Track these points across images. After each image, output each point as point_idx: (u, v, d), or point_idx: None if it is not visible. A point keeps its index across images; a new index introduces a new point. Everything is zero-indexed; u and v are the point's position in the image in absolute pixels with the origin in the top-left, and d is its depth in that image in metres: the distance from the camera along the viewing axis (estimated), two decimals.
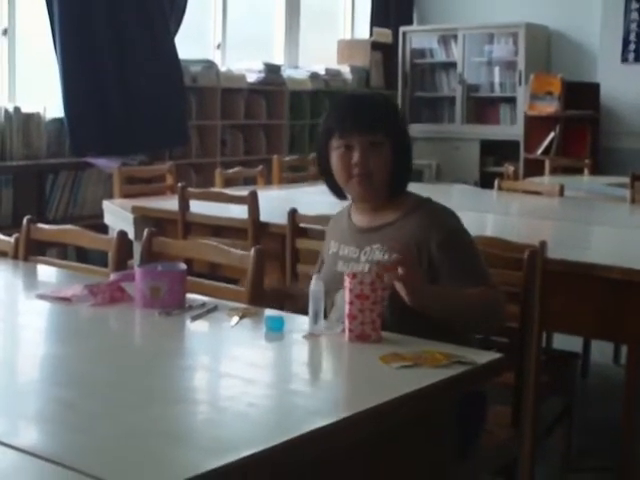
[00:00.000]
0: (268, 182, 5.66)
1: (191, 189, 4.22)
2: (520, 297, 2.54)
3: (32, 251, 3.06)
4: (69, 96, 5.87)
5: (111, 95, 6.09)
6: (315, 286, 2.12)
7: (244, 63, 7.41)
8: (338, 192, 2.43)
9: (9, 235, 3.11)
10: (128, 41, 6.19)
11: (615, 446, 3.14)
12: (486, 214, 4.35)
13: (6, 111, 5.59)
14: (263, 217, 3.87)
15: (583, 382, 4.49)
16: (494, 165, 8.27)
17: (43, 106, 5.80)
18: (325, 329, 2.13)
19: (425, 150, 8.29)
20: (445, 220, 2.31)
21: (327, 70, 8.16)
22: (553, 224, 4.24)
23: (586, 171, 6.36)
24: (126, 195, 4.91)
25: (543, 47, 8.44)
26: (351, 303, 2.05)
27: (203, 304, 2.36)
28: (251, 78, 7.34)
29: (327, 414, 1.63)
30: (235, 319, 2.23)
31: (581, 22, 8.23)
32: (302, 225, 3.57)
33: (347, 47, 8.72)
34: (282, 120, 7.62)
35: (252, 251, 2.58)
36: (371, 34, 8.77)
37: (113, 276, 2.54)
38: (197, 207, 4.11)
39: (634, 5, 7.86)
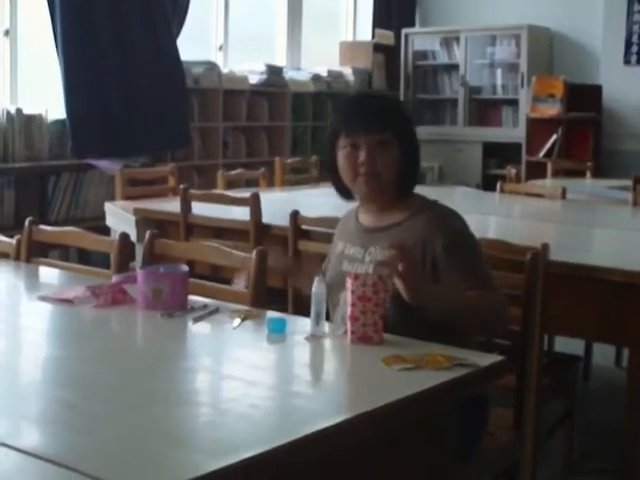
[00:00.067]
0: (270, 184, 5.66)
1: (193, 191, 4.22)
2: (522, 299, 2.54)
3: (34, 253, 3.06)
4: (71, 98, 5.87)
5: (113, 96, 6.09)
6: (317, 288, 2.12)
7: (246, 65, 7.41)
8: (345, 193, 2.43)
9: (11, 237, 3.11)
10: (130, 42, 6.19)
11: (617, 449, 3.14)
12: (488, 216, 4.35)
13: (8, 113, 5.59)
14: (265, 219, 3.87)
15: (585, 385, 4.49)
16: (496, 167, 8.27)
17: (45, 108, 5.80)
18: (327, 331, 2.14)
19: (427, 152, 8.28)
20: (451, 222, 2.31)
21: (329, 72, 8.17)
22: (555, 227, 4.24)
23: (588, 174, 6.36)
24: (128, 197, 4.91)
25: (545, 49, 8.45)
26: (353, 305, 2.05)
27: (205, 306, 2.36)
28: (253, 80, 7.34)
29: (329, 416, 1.63)
30: (237, 321, 2.23)
31: (583, 24, 8.23)
32: (304, 227, 3.57)
33: (349, 49, 8.72)
34: (284, 122, 7.62)
35: (254, 253, 2.58)
36: (373, 36, 8.78)
37: (115, 278, 2.54)
38: (199, 209, 4.11)
39: (637, 7, 7.86)
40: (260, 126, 7.47)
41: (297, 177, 6.07)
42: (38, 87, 6.05)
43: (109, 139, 6.03)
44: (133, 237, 3.82)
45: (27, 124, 5.69)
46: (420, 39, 8.92)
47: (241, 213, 3.92)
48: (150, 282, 2.33)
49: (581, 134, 7.90)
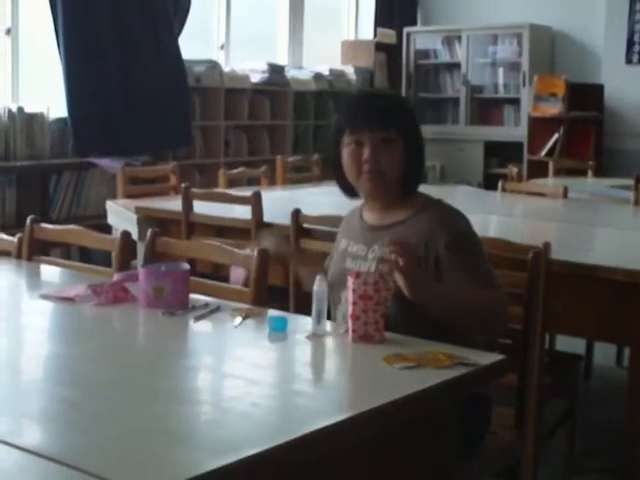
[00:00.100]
0: (272, 183, 5.66)
1: (194, 189, 4.22)
2: (523, 298, 2.54)
3: (35, 251, 3.06)
4: (73, 96, 5.87)
5: (115, 95, 6.10)
6: (318, 287, 2.12)
7: (248, 63, 7.41)
8: (349, 191, 2.42)
9: (13, 235, 3.11)
10: (132, 41, 6.19)
11: (618, 448, 3.14)
12: (490, 215, 4.35)
13: (9, 111, 5.59)
14: (267, 218, 3.87)
15: (586, 384, 4.48)
16: (498, 166, 8.27)
17: (47, 106, 5.81)
18: (328, 330, 2.14)
19: (429, 151, 8.13)
20: (455, 221, 2.30)
21: (331, 71, 8.17)
22: (557, 226, 4.23)
23: (590, 173, 6.36)
24: (129, 195, 4.91)
25: (547, 48, 8.44)
26: (354, 304, 2.05)
27: (206, 304, 2.36)
28: (255, 78, 7.34)
29: (330, 414, 1.63)
30: (238, 319, 2.23)
31: (585, 23, 8.22)
32: (306, 226, 3.57)
33: (351, 48, 8.72)
34: (286, 120, 7.63)
35: (255, 252, 2.57)
36: (375, 35, 8.77)
37: (116, 276, 2.54)
38: (201, 207, 4.11)
39: (638, 6, 7.86)
40: (262, 125, 7.48)
41: (299, 176, 6.06)
42: (40, 85, 6.05)
43: (111, 137, 6.04)
44: (134, 235, 3.82)
45: (29, 122, 5.69)
46: (422, 38, 8.92)
47: (242, 212, 3.92)
48: (151, 280, 2.33)
49: (583, 133, 7.90)
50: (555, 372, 3.15)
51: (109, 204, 4.83)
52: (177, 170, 5.24)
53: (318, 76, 7.98)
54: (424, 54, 8.92)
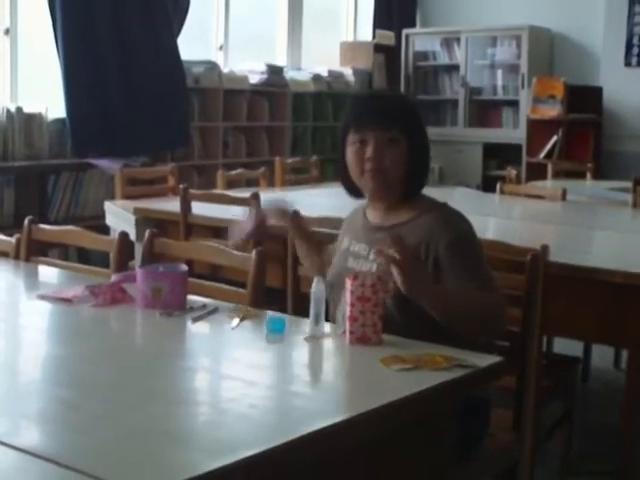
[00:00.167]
0: (270, 184, 5.66)
1: (193, 191, 4.22)
2: (522, 301, 2.54)
3: (33, 252, 3.06)
4: (71, 96, 5.87)
5: (113, 96, 6.10)
6: (316, 288, 2.12)
7: (246, 64, 7.41)
8: (354, 191, 2.42)
9: (10, 235, 3.11)
10: (130, 42, 6.19)
11: (615, 450, 3.14)
12: (488, 217, 4.35)
13: (8, 111, 5.59)
14: None
15: (583, 386, 4.49)
16: (496, 168, 8.27)
17: (45, 106, 5.81)
18: (326, 331, 2.14)
19: None
20: (457, 224, 2.30)
21: (330, 72, 8.17)
22: (555, 228, 4.23)
23: (589, 175, 6.37)
24: (128, 196, 4.91)
25: (546, 50, 8.45)
26: (352, 305, 2.05)
27: (204, 305, 2.36)
28: (253, 79, 7.35)
29: (327, 416, 1.63)
30: (236, 321, 2.23)
31: (584, 25, 8.23)
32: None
33: (350, 49, 8.72)
34: (285, 122, 7.63)
35: (253, 253, 2.57)
36: (374, 36, 8.78)
37: (114, 277, 2.54)
38: (199, 209, 4.11)
39: (637, 8, 7.87)
40: (260, 126, 7.48)
41: (297, 177, 6.07)
42: (38, 86, 6.05)
43: (109, 138, 6.03)
44: (132, 236, 3.81)
45: (27, 123, 5.69)
46: (421, 39, 8.93)
47: (241, 213, 3.91)
48: (149, 281, 2.33)
49: (581, 135, 7.91)
50: (553, 374, 3.15)
51: (107, 205, 4.83)
52: (175, 171, 5.24)
53: (317, 77, 7.98)
54: (423, 56, 8.93)
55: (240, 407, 1.66)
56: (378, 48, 8.72)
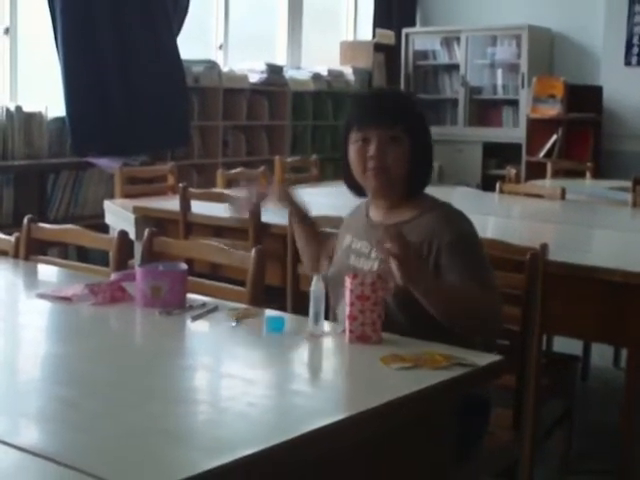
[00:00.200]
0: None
1: (192, 189, 4.22)
2: (521, 300, 2.54)
3: (33, 250, 3.06)
4: (71, 95, 5.87)
5: (113, 95, 6.09)
6: (315, 286, 2.12)
7: (246, 63, 7.41)
8: (357, 190, 2.42)
9: (10, 234, 3.11)
10: (130, 41, 6.18)
11: (615, 449, 3.14)
12: (488, 217, 4.35)
13: (8, 110, 5.59)
14: (264, 218, 3.86)
15: (583, 385, 4.49)
16: (496, 168, 8.27)
17: (45, 105, 5.80)
18: (326, 330, 2.13)
19: None
20: (459, 224, 2.30)
21: (329, 71, 8.17)
22: (555, 227, 4.24)
23: (588, 174, 6.36)
24: (127, 195, 4.91)
25: (546, 49, 8.45)
26: (352, 304, 2.05)
27: (204, 304, 2.36)
28: (253, 79, 7.34)
29: (327, 414, 1.63)
30: (235, 319, 2.23)
31: (584, 24, 8.22)
32: None
33: (350, 48, 8.72)
34: (284, 121, 7.62)
35: (253, 252, 2.57)
36: (374, 35, 8.77)
37: (114, 276, 2.54)
38: (198, 207, 4.11)
39: (637, 8, 7.86)
40: (260, 125, 7.47)
41: (297, 176, 6.06)
42: (38, 85, 6.04)
43: (109, 137, 6.03)
44: (132, 235, 3.82)
45: (27, 122, 5.69)
46: (421, 39, 8.92)
47: None
48: (149, 280, 2.33)
49: (581, 135, 7.90)
50: (552, 373, 3.15)
51: (107, 204, 4.83)
52: (175, 170, 5.24)
53: (317, 77, 7.98)
54: (423, 55, 8.92)
55: (239, 406, 1.66)
56: (378, 47, 8.72)
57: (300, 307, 2.64)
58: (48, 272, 2.93)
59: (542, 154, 7.91)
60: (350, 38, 8.96)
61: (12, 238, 3.05)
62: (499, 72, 8.54)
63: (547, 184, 5.92)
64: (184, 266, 2.43)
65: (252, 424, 1.59)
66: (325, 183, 5.67)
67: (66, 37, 5.81)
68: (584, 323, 3.12)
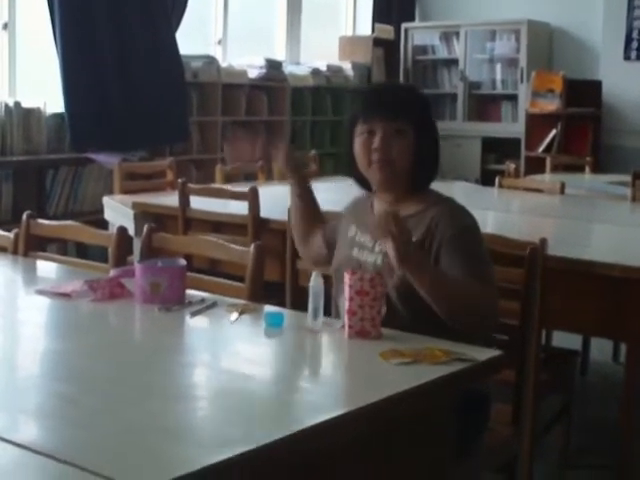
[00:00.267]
0: (269, 178, 5.65)
1: (191, 185, 4.22)
2: (520, 294, 2.54)
3: (32, 246, 3.06)
4: (70, 91, 5.86)
5: (112, 90, 6.09)
6: (315, 282, 2.12)
7: (245, 59, 7.40)
8: (363, 182, 2.42)
9: (9, 230, 3.10)
10: (129, 36, 6.18)
11: (614, 444, 3.14)
12: (487, 211, 4.34)
13: (6, 106, 5.58)
14: (263, 213, 3.87)
15: (582, 380, 4.49)
16: (495, 163, 8.27)
17: (43, 101, 5.80)
18: (325, 325, 2.13)
19: None
20: (462, 218, 2.30)
21: (329, 66, 8.16)
22: (554, 222, 4.23)
23: (587, 169, 6.36)
24: (126, 191, 4.90)
25: (545, 44, 8.44)
26: (351, 299, 2.05)
27: (203, 300, 2.36)
28: (252, 74, 7.33)
29: (326, 410, 1.63)
30: (235, 315, 2.23)
31: (583, 19, 8.22)
32: None
33: (349, 43, 8.71)
34: (283, 116, 7.62)
35: (252, 247, 2.57)
36: (373, 30, 8.77)
37: (113, 272, 2.54)
38: (197, 203, 4.11)
39: (637, 2, 7.85)
40: (259, 120, 7.47)
41: None
42: (37, 80, 6.04)
43: (107, 133, 6.03)
44: (131, 231, 3.81)
45: (25, 117, 5.68)
46: (420, 34, 8.92)
47: (239, 207, 3.92)
48: (148, 276, 2.33)
49: (580, 129, 7.90)
50: (552, 368, 3.15)
51: (106, 200, 4.82)
52: (174, 166, 5.23)
53: (316, 72, 7.97)
54: (422, 50, 8.92)
55: (238, 402, 1.66)
56: (377, 42, 8.71)
57: (299, 303, 2.64)
58: (47, 268, 2.93)
59: (541, 149, 7.91)
60: (349, 33, 8.96)
61: (11, 234, 3.05)
62: (498, 67, 8.54)
63: (546, 179, 5.92)
64: (183, 262, 2.43)
65: (251, 420, 1.59)
66: (324, 178, 5.66)
67: (64, 32, 5.81)
68: (583, 318, 3.12)
